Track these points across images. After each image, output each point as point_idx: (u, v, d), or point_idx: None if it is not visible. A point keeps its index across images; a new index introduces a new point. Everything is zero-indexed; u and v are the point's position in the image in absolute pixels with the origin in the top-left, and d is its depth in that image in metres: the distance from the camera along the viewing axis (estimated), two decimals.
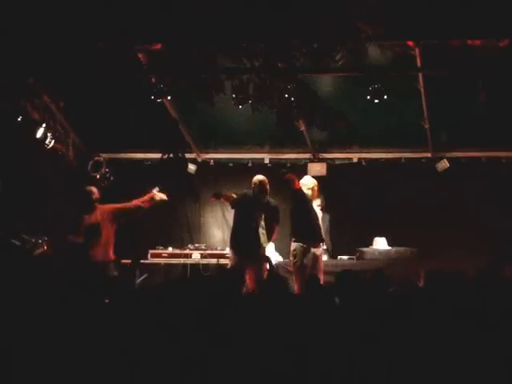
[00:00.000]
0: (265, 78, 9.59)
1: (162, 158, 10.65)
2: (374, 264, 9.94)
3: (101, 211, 9.53)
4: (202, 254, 11.34)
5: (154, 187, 9.26)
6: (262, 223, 9.26)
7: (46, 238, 9.63)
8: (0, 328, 4.42)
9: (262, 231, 9.26)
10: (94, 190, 9.57)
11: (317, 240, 9.27)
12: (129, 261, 11.00)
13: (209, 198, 9.92)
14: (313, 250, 9.12)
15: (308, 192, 9.30)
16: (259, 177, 9.27)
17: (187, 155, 11.59)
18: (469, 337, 4.10)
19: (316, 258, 9.17)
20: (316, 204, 9.91)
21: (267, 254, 9.77)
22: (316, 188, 9.42)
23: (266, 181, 9.21)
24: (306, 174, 11.33)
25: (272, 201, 9.39)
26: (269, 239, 9.37)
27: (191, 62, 9.34)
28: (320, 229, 9.39)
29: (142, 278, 11.11)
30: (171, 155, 10.59)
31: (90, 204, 9.47)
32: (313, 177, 9.84)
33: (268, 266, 9.18)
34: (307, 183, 9.41)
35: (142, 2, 8.77)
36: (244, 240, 9.12)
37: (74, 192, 10.13)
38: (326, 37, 8.86)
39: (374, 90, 9.42)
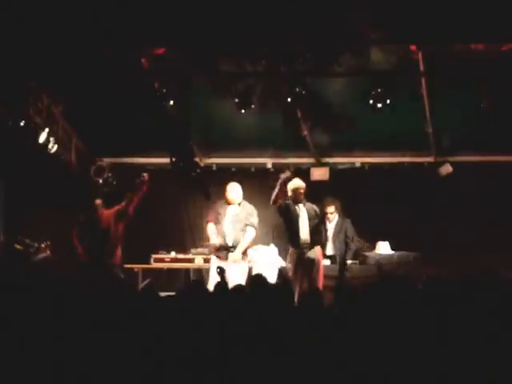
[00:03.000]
0: (268, 82, 9.60)
1: (171, 161, 10.65)
2: (376, 269, 9.93)
3: (106, 216, 9.57)
4: (204, 259, 11.30)
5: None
6: None
7: (48, 243, 9.63)
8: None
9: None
10: (98, 202, 9.60)
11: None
12: (132, 265, 11.02)
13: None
14: (308, 254, 9.23)
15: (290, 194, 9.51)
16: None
17: None
18: (469, 344, 4.08)
19: (312, 262, 9.23)
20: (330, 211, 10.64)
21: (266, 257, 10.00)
22: (299, 192, 9.47)
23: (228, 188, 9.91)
24: (309, 178, 11.35)
25: (245, 204, 9.91)
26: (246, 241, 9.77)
27: (194, 66, 9.34)
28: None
29: (145, 282, 11.09)
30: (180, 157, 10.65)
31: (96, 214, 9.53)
32: (316, 181, 9.88)
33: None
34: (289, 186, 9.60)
35: (145, 6, 8.75)
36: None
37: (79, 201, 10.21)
38: (329, 40, 8.86)
39: (376, 94, 9.42)
